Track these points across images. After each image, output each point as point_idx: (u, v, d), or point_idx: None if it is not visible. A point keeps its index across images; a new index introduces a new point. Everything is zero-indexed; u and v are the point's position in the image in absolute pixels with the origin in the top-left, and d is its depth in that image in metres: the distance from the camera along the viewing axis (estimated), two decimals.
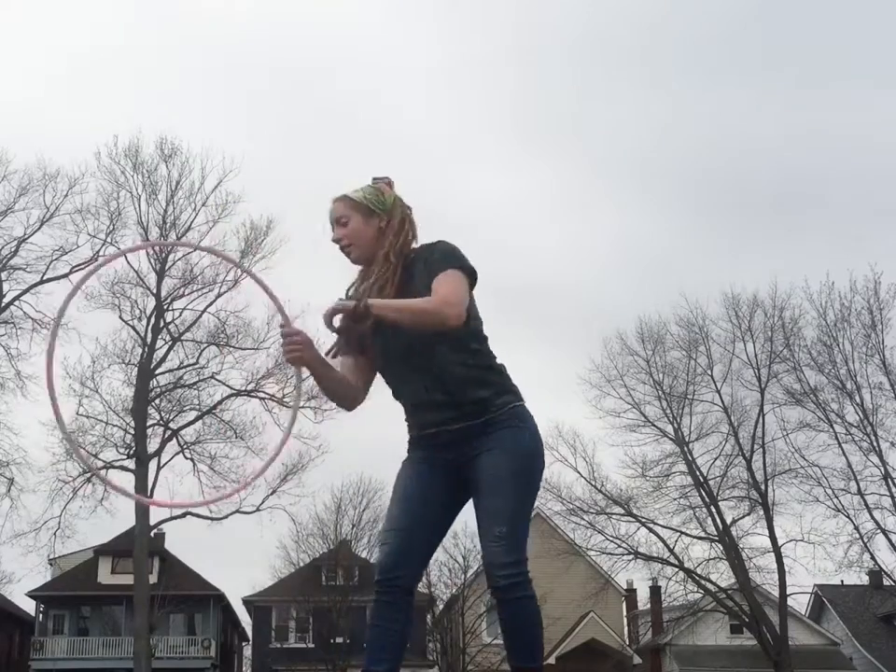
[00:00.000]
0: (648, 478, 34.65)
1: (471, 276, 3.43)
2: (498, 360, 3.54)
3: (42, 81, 65.84)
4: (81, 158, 43.47)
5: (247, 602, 44.06)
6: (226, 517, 34.52)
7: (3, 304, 33.66)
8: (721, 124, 69.63)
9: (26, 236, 33.76)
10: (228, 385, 35.13)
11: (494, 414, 3.40)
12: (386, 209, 3.54)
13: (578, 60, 76.45)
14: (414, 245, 3.57)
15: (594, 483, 34.95)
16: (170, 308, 34.85)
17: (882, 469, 32.04)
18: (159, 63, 66.01)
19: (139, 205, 34.55)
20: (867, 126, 66.97)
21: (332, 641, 38.28)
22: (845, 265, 54.00)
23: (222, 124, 62.88)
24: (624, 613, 44.22)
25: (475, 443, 3.41)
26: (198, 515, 34.36)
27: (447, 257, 3.43)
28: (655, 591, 40.96)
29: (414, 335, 3.36)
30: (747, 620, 33.56)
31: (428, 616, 42.80)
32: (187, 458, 34.66)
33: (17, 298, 33.92)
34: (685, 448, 34.48)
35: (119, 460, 34.13)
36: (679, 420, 34.80)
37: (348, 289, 3.60)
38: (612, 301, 70.19)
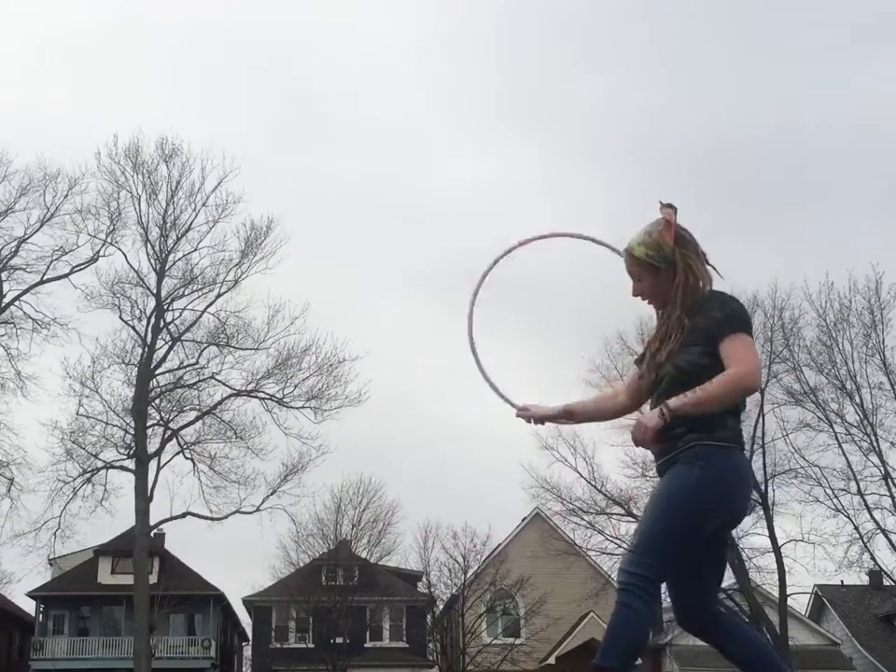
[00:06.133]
0: (648, 478, 34.62)
1: (751, 331, 3.55)
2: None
3: (42, 80, 65.87)
4: (81, 158, 43.48)
5: (247, 602, 44.04)
6: (226, 517, 34.57)
7: (3, 304, 33.67)
8: (717, 112, 69.68)
9: (26, 236, 33.82)
10: (228, 385, 35.18)
11: (679, 450, 3.49)
12: (668, 263, 3.60)
13: (568, 39, 76.45)
14: (706, 287, 3.63)
15: (594, 483, 34.97)
16: (170, 308, 34.87)
17: (882, 469, 32.03)
18: (159, 63, 66.06)
19: (139, 205, 34.63)
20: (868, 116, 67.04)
21: (332, 641, 38.26)
22: (844, 258, 54.08)
23: (222, 123, 62.92)
24: None
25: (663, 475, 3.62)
26: (198, 515, 34.44)
27: (732, 319, 3.50)
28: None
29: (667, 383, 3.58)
30: (747, 620, 33.54)
31: (428, 616, 42.82)
32: (187, 458, 34.71)
33: (17, 298, 33.94)
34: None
35: (119, 460, 34.17)
36: None
37: (649, 339, 3.79)
38: (605, 288, 70.03)
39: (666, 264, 3.60)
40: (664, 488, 3.52)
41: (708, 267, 3.69)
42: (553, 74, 72.82)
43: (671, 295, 3.61)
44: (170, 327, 34.95)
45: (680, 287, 3.58)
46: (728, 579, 33.89)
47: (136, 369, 34.19)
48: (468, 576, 40.09)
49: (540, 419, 3.91)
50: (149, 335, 34.52)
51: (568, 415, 3.88)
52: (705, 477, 3.43)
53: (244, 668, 55.04)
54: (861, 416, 32.54)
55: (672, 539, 3.43)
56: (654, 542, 3.42)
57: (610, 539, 34.78)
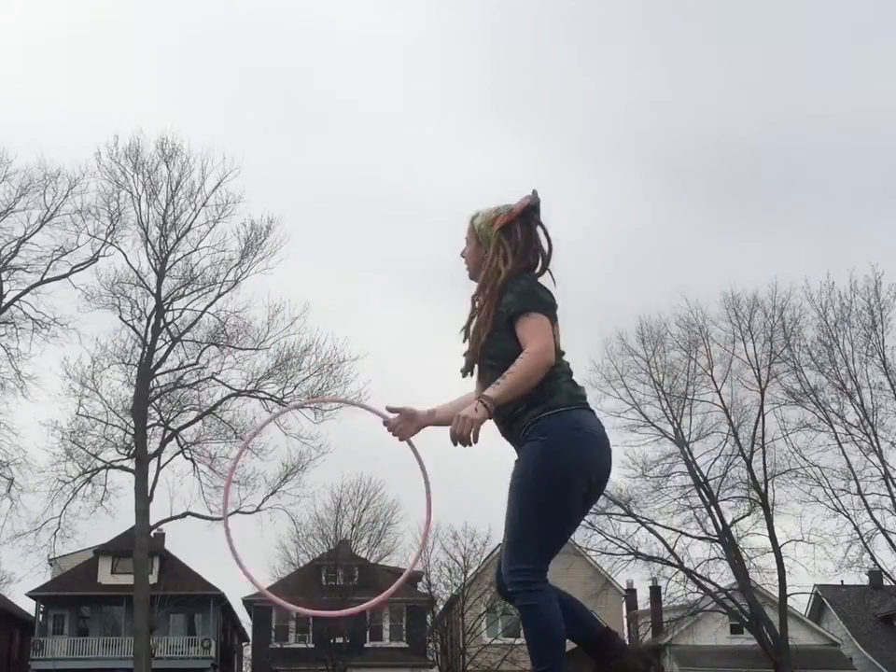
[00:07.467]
0: (648, 478, 34.65)
1: (549, 311, 3.63)
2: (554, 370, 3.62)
3: (42, 80, 65.86)
4: (81, 158, 43.46)
5: (247, 602, 44.03)
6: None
7: (3, 304, 33.66)
8: (716, 111, 69.70)
9: (26, 236, 33.79)
10: (228, 386, 35.14)
11: (525, 429, 3.59)
12: (487, 241, 3.79)
13: (566, 36, 76.45)
14: (505, 277, 3.71)
15: None
16: (170, 308, 34.84)
17: (882, 468, 32.06)
18: (160, 63, 66.08)
19: (139, 205, 34.58)
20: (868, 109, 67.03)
21: (332, 641, 38.27)
22: (845, 257, 54.06)
23: (222, 122, 62.95)
24: (624, 613, 44.19)
25: (518, 454, 3.67)
26: (198, 515, 34.45)
27: (522, 298, 3.62)
28: (655, 591, 40.94)
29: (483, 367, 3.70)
30: (747, 620, 33.55)
31: (428, 616, 42.82)
32: (187, 458, 34.68)
33: (17, 298, 33.92)
34: (685, 448, 34.47)
35: (119, 460, 34.15)
36: (678, 420, 34.79)
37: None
38: (604, 289, 70.12)
39: (486, 242, 3.77)
40: (517, 475, 3.59)
41: (544, 272, 3.79)
42: (552, 72, 72.84)
43: (480, 273, 3.79)
44: (170, 327, 34.94)
45: (485, 268, 3.75)
46: (728, 579, 33.93)
47: (136, 369, 34.17)
48: (468, 576, 40.10)
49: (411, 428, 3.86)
50: (149, 335, 34.50)
51: (429, 417, 3.86)
52: (549, 449, 3.50)
53: (244, 668, 55.06)
54: (861, 416, 32.57)
55: (541, 520, 3.50)
56: (525, 532, 3.52)
57: (610, 539, 34.78)
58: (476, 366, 3.73)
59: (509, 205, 3.78)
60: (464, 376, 3.77)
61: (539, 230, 3.80)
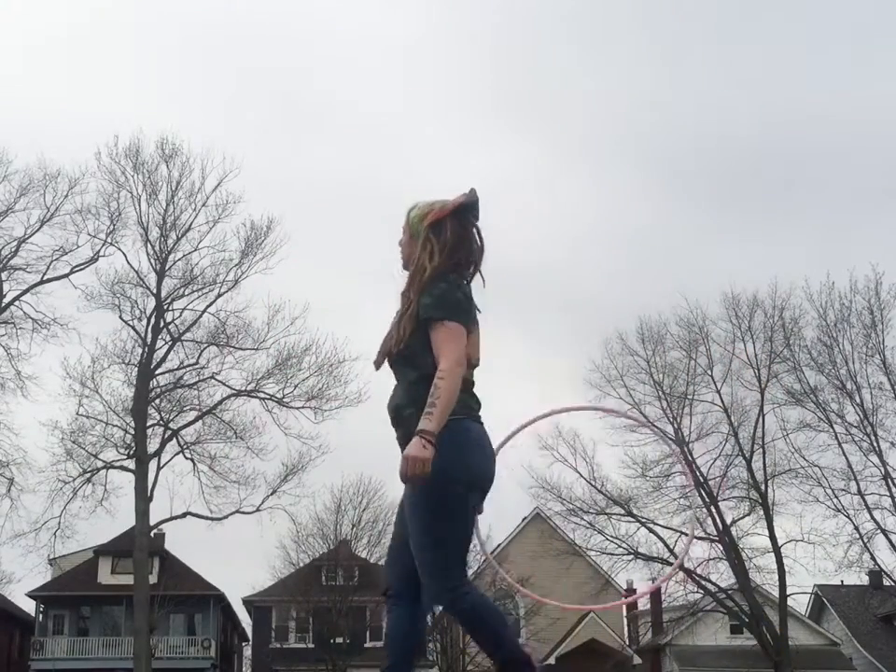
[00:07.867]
0: (648, 478, 34.65)
1: (463, 318, 3.57)
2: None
3: (42, 80, 65.86)
4: (82, 158, 43.44)
5: (247, 602, 44.03)
6: (226, 517, 34.56)
7: (3, 304, 33.65)
8: (716, 110, 69.68)
9: (26, 236, 33.78)
10: (228, 386, 35.14)
11: (410, 437, 3.45)
12: (416, 235, 3.78)
13: (567, 36, 76.44)
14: (430, 274, 3.68)
15: (594, 483, 34.96)
16: (170, 308, 34.83)
17: (882, 469, 32.06)
18: (161, 63, 66.09)
19: (139, 205, 34.57)
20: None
21: (332, 641, 38.24)
22: (845, 257, 54.04)
23: (222, 122, 62.95)
24: (624, 613, 44.18)
25: None
26: (198, 515, 34.44)
27: (437, 303, 3.57)
28: (655, 591, 40.92)
29: (391, 363, 3.70)
30: (747, 620, 33.55)
31: (429, 616, 42.80)
32: (187, 458, 34.68)
33: (17, 298, 33.91)
34: (685, 448, 34.46)
35: (119, 460, 34.14)
36: (679, 420, 34.80)
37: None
38: (604, 289, 70.12)
39: (416, 236, 3.77)
40: (412, 493, 3.51)
41: (474, 273, 3.76)
42: (552, 72, 72.84)
43: (410, 266, 3.79)
44: (170, 327, 34.92)
45: (414, 262, 3.74)
46: (728, 579, 33.94)
47: (136, 369, 34.16)
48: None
49: None
50: (149, 335, 34.49)
51: None
52: (439, 457, 3.38)
53: (244, 668, 55.05)
54: (861, 416, 32.57)
55: (443, 533, 3.48)
56: (436, 550, 3.49)
57: (610, 539, 34.78)
58: (386, 360, 3.72)
59: (446, 201, 3.75)
60: (377, 369, 3.75)
61: (474, 230, 3.77)
